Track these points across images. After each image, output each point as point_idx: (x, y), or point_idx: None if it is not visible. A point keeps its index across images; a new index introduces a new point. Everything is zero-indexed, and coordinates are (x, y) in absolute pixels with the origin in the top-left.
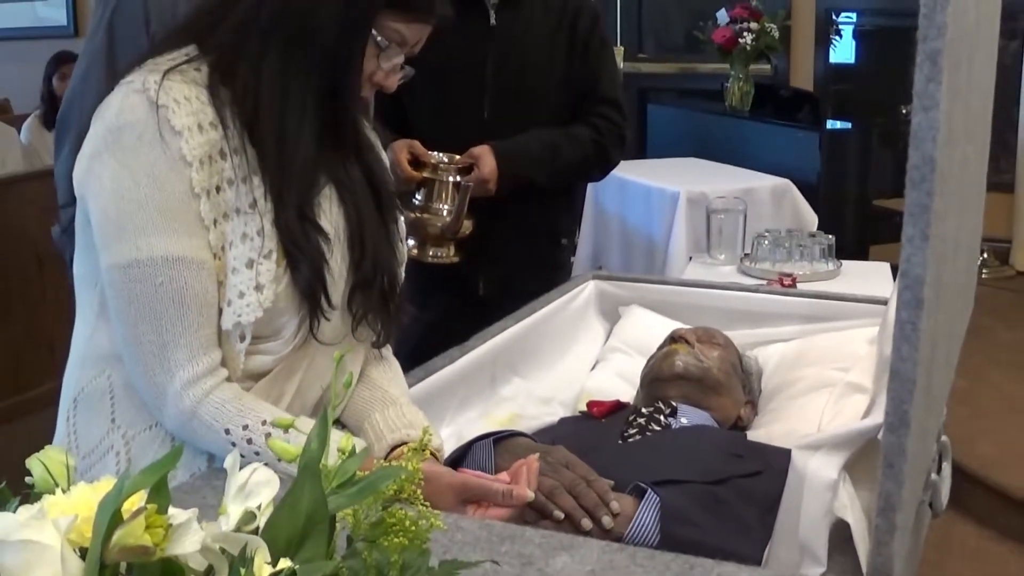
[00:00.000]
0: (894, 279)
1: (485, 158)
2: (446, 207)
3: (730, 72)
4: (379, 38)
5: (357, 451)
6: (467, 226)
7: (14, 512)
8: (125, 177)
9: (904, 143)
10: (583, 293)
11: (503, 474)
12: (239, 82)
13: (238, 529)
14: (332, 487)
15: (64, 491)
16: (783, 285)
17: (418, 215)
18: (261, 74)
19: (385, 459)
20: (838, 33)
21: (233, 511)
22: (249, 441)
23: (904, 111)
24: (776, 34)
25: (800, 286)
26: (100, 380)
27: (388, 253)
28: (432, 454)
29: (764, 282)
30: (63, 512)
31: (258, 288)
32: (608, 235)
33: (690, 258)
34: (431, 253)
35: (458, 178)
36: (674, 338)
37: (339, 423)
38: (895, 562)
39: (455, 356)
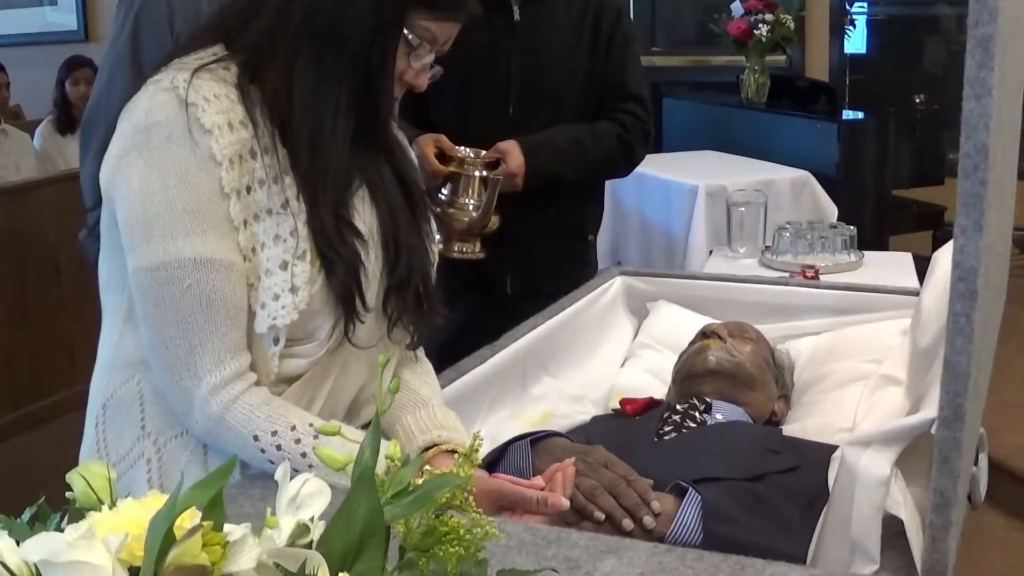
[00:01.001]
0: (916, 269)
1: (512, 152)
2: (473, 202)
3: (745, 64)
4: (410, 37)
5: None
6: (494, 222)
7: (56, 529)
8: (153, 177)
9: (920, 132)
10: (610, 289)
11: (538, 479)
12: (269, 82)
13: (292, 543)
14: (387, 497)
15: (109, 507)
16: (806, 277)
17: (444, 210)
18: (292, 74)
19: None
20: (852, 23)
21: (285, 524)
22: (278, 448)
23: (918, 100)
24: (792, 25)
25: (823, 278)
26: (129, 386)
27: (422, 254)
28: None
29: (787, 275)
30: (111, 530)
31: (293, 290)
32: (627, 230)
33: (711, 252)
34: (456, 248)
35: (485, 173)
36: (706, 333)
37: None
38: (950, 559)
39: (486, 356)
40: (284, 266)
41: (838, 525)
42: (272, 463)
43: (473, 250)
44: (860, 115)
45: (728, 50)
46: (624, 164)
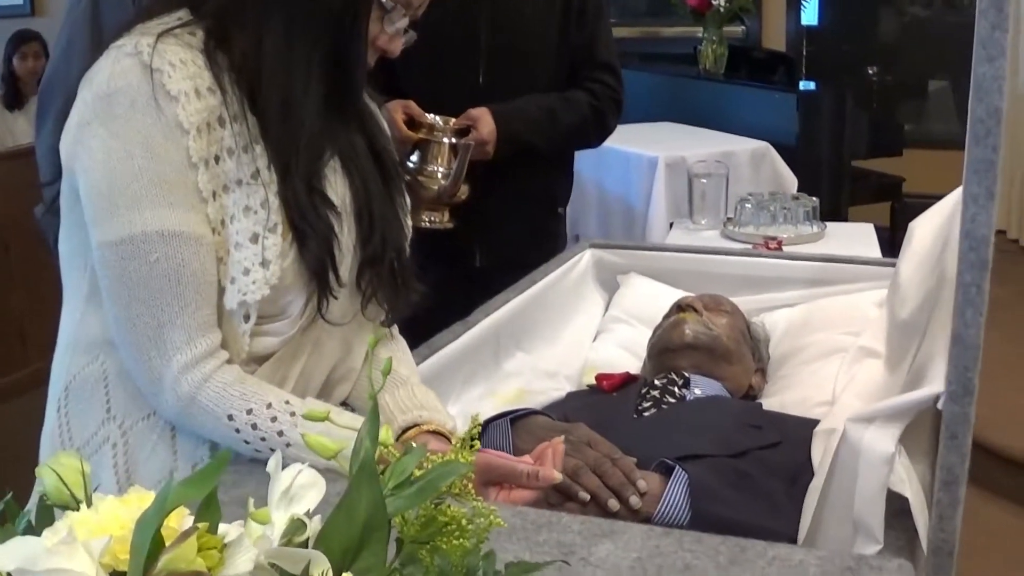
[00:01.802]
0: (878, 240)
1: (484, 120)
2: (442, 170)
3: (702, 35)
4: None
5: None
6: (463, 191)
7: (27, 531)
8: (117, 147)
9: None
10: (580, 263)
11: (526, 457)
12: (237, 48)
13: (288, 540)
14: (388, 488)
15: (81, 504)
16: (769, 248)
17: (413, 178)
18: (262, 40)
19: (397, 441)
20: None
21: (278, 519)
22: (254, 427)
23: (871, 72)
24: None
25: (787, 249)
26: (92, 367)
27: (396, 227)
28: (446, 437)
29: (749, 246)
30: (91, 532)
31: (264, 264)
32: (585, 202)
33: (671, 224)
34: (425, 217)
35: (455, 140)
36: (681, 306)
37: (347, 406)
38: (957, 537)
39: (458, 332)
40: (255, 239)
41: (839, 504)
42: (247, 443)
43: (441, 220)
44: (821, 86)
45: (679, 21)
46: (596, 134)
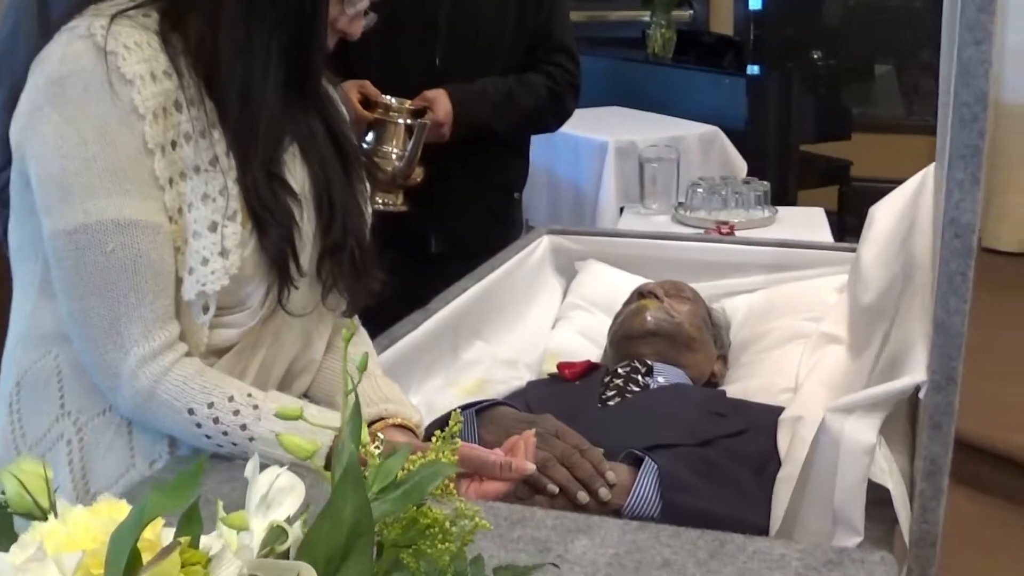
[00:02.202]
0: (832, 224)
1: (440, 101)
2: (396, 151)
3: (650, 19)
4: None
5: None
6: (418, 173)
7: None
8: (70, 133)
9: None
10: (538, 249)
11: (497, 450)
12: (193, 29)
13: (270, 549)
14: (373, 492)
15: (47, 513)
16: (721, 233)
17: (368, 159)
18: (219, 22)
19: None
20: None
21: (256, 526)
22: (216, 420)
23: (816, 56)
24: None
25: (738, 234)
26: (45, 361)
27: (357, 215)
28: (412, 430)
29: (701, 231)
30: (62, 546)
31: (223, 253)
32: (534, 187)
33: (621, 208)
34: (378, 200)
35: (410, 120)
36: (642, 293)
37: (307, 398)
38: (940, 529)
39: (418, 321)
40: (213, 227)
41: (818, 495)
42: (208, 437)
43: (396, 202)
44: (767, 70)
45: (630, 5)
46: (554, 117)
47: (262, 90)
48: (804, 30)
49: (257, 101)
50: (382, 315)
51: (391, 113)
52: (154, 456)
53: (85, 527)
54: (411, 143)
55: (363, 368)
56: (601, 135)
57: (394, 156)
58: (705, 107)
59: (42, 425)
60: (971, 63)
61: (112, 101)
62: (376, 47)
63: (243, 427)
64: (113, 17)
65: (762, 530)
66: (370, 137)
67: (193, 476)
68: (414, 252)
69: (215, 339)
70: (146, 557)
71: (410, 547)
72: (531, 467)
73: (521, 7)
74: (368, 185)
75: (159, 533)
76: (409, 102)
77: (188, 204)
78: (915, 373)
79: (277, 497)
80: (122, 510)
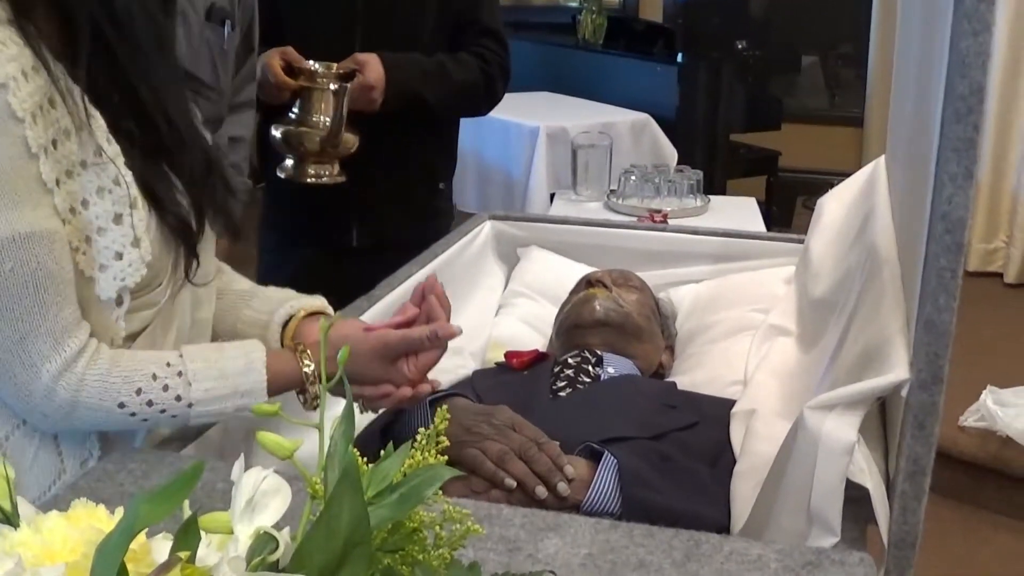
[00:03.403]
0: (761, 213)
1: (371, 64)
2: (325, 119)
3: (580, 4)
4: None
5: None
6: (350, 140)
7: None
8: None
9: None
10: (480, 235)
11: (408, 306)
12: (39, 12)
13: (261, 559)
14: (368, 496)
15: (10, 516)
16: (654, 221)
17: (295, 129)
18: None
19: (287, 340)
20: None
21: (242, 532)
22: (149, 403)
23: (740, 46)
24: None
25: (671, 222)
26: None
27: (198, 135)
28: (323, 312)
29: (634, 219)
30: (40, 559)
31: (135, 243)
32: (463, 171)
33: (552, 195)
34: (312, 172)
35: (337, 86)
36: (590, 282)
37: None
38: (920, 530)
39: (363, 307)
40: (118, 219)
41: (793, 494)
42: (145, 420)
43: (331, 173)
44: (696, 59)
45: None
46: (485, 98)
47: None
48: (731, 19)
49: (171, 51)
50: None
51: (317, 80)
52: (84, 455)
53: (62, 537)
54: (334, 107)
55: (325, 329)
56: (532, 120)
57: (322, 125)
58: (636, 94)
59: None
60: (968, 54)
61: None
62: (294, 36)
63: (178, 398)
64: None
65: (721, 526)
66: (297, 107)
67: (184, 484)
68: (335, 246)
69: (128, 327)
70: (132, 569)
71: (396, 552)
72: (458, 329)
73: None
74: (199, 109)
75: (144, 544)
76: (336, 65)
77: (81, 201)
78: (897, 370)
79: (262, 500)
80: (100, 517)
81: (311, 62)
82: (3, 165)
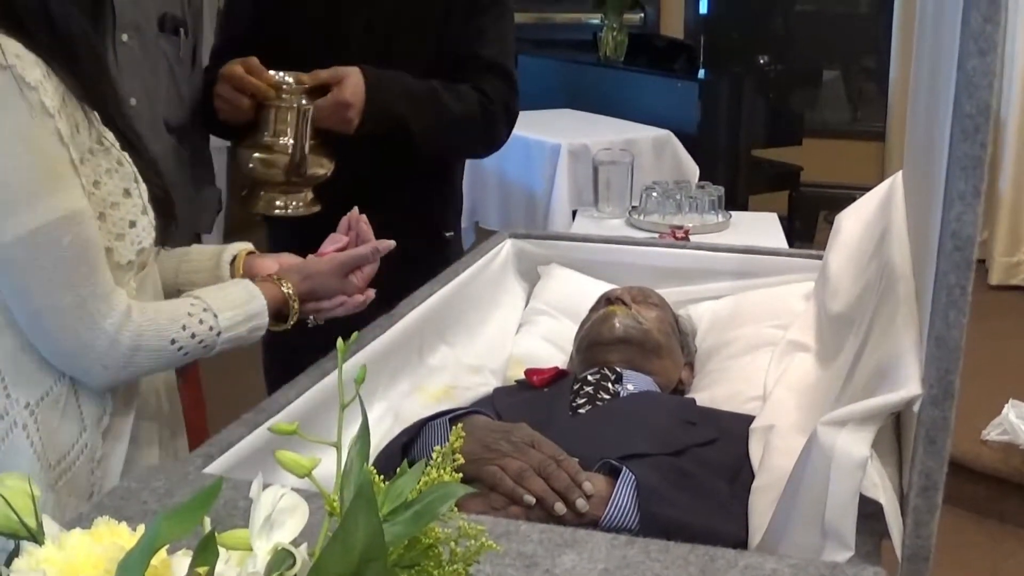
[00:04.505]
0: (783, 229)
1: (351, 78)
2: (289, 141)
3: (601, 21)
4: None
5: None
6: (325, 165)
7: None
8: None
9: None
10: (501, 253)
11: (340, 238)
12: (29, 20)
13: (280, 575)
14: (383, 513)
15: (35, 533)
16: (675, 238)
17: (255, 153)
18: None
19: (238, 276)
20: None
21: (260, 549)
22: (193, 336)
23: (762, 61)
24: None
25: (692, 238)
26: None
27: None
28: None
29: (655, 235)
30: (62, 574)
31: (144, 211)
32: (485, 190)
33: (574, 212)
34: (279, 204)
35: (306, 102)
36: (609, 299)
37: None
38: (933, 544)
39: (384, 325)
40: (126, 193)
41: (808, 509)
42: (185, 355)
43: (303, 203)
44: (717, 75)
45: (581, 7)
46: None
47: (98, 52)
48: (750, 35)
49: (107, 72)
50: (301, 355)
51: (283, 96)
52: (100, 412)
53: (85, 553)
54: (296, 127)
55: (360, 380)
56: (554, 138)
57: (287, 150)
58: (657, 111)
59: None
60: (975, 74)
61: (28, 110)
62: (286, 65)
63: (210, 328)
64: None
65: (739, 542)
66: (263, 129)
67: (203, 502)
68: None
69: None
70: None
71: (412, 568)
72: (391, 242)
73: (446, 19)
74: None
75: (165, 560)
76: (306, 76)
77: (93, 182)
78: (909, 386)
79: (280, 518)
80: (122, 534)
81: (279, 72)
82: (48, 154)
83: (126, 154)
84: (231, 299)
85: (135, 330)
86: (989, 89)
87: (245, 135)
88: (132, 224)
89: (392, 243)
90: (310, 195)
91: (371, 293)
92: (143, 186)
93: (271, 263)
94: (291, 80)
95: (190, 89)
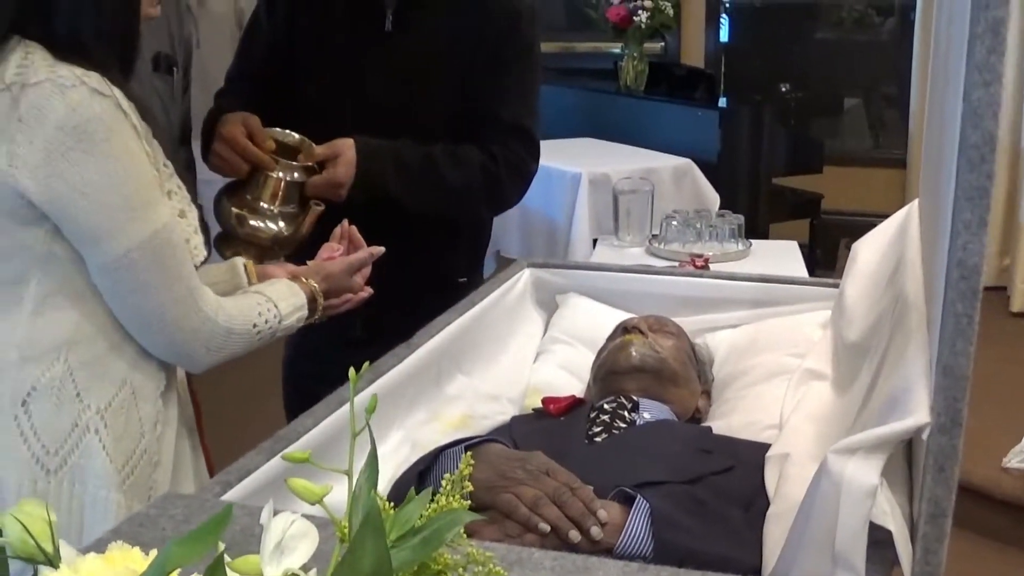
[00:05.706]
0: (803, 257)
1: (344, 157)
2: (277, 209)
3: (622, 50)
4: None
5: None
6: (304, 229)
7: None
8: (111, 164)
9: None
10: (519, 283)
11: (336, 248)
12: (83, 54)
13: None
14: (391, 539)
15: (51, 558)
16: (695, 267)
17: (242, 213)
18: (80, 37)
19: (252, 280)
20: (727, 12)
21: (270, 574)
22: (266, 322)
23: (784, 89)
24: (671, 12)
25: (712, 267)
26: (55, 368)
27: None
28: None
29: (675, 264)
30: None
31: (196, 231)
32: (506, 219)
33: (595, 241)
34: (254, 256)
35: (296, 175)
36: (627, 328)
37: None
38: (942, 572)
39: (402, 354)
40: (183, 214)
41: (818, 536)
42: (261, 339)
43: (278, 261)
44: (738, 103)
45: (601, 36)
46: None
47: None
48: (773, 63)
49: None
50: (310, 400)
51: (279, 163)
52: (155, 418)
53: (98, 574)
54: (301, 219)
55: (371, 410)
56: (574, 167)
57: (276, 222)
58: (677, 139)
59: (63, 428)
60: (980, 105)
61: (131, 130)
62: (302, 119)
63: (275, 316)
64: (62, 61)
65: (753, 570)
66: (251, 188)
67: (214, 528)
68: (338, 337)
69: None
70: None
71: None
72: (379, 248)
73: (465, 73)
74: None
75: None
76: (304, 146)
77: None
78: (918, 415)
79: (291, 543)
80: (135, 558)
81: (279, 132)
82: (149, 167)
83: (175, 177)
84: (283, 293)
85: (227, 315)
86: (994, 119)
87: (234, 187)
88: (187, 240)
89: (382, 249)
90: (283, 255)
91: (369, 289)
92: (195, 210)
93: (279, 270)
94: (292, 142)
95: (179, 116)
